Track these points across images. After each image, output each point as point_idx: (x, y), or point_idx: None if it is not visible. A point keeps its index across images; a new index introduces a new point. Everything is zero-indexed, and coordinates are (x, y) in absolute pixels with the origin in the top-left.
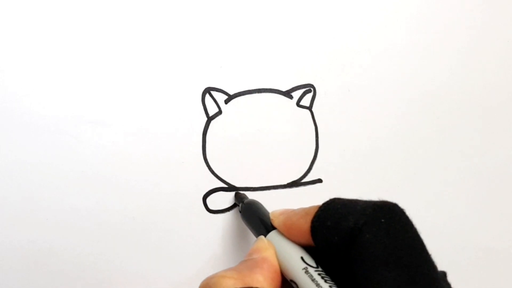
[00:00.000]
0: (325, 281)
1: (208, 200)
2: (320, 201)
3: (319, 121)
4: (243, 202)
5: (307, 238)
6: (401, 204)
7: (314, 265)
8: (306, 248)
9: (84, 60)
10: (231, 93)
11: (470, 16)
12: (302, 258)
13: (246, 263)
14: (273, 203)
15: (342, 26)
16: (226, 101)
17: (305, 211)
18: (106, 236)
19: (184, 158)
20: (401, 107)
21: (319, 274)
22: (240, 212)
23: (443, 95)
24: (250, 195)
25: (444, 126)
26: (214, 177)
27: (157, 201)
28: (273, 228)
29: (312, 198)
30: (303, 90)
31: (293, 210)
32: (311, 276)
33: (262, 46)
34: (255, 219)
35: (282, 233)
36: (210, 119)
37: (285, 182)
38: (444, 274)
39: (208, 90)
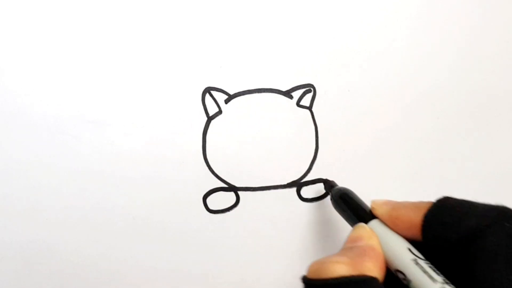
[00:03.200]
0: (438, 274)
1: (208, 200)
2: (320, 202)
3: (319, 121)
4: (334, 188)
5: (414, 231)
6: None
7: (423, 257)
8: (409, 242)
9: (84, 60)
10: (231, 93)
11: (470, 16)
12: (409, 249)
13: (354, 250)
14: (273, 203)
15: (342, 26)
16: (226, 101)
17: (414, 205)
18: (106, 236)
19: (184, 158)
20: (401, 107)
21: (430, 267)
22: (331, 199)
23: (443, 95)
24: (250, 195)
25: (444, 126)
26: (214, 177)
27: (157, 201)
28: (372, 217)
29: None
30: (303, 90)
31: (400, 202)
32: (421, 268)
33: (262, 46)
34: (351, 207)
35: (384, 224)
36: (210, 119)
37: (285, 182)
38: None
39: (208, 90)
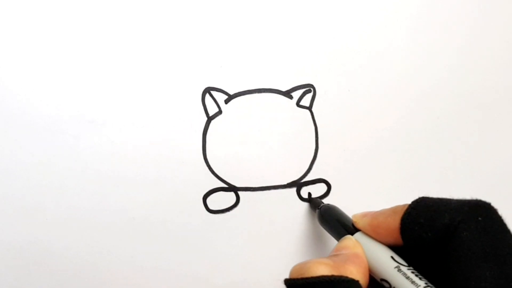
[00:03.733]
0: (420, 278)
1: (208, 200)
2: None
3: (319, 121)
4: (320, 206)
5: (395, 237)
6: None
7: (405, 263)
8: (393, 248)
9: (84, 60)
10: (231, 93)
11: (470, 16)
12: (392, 257)
13: (338, 256)
14: (273, 203)
15: (342, 26)
16: (226, 101)
17: (391, 210)
18: (106, 235)
19: (184, 158)
20: (401, 107)
21: (412, 272)
22: (318, 216)
23: (443, 95)
24: (250, 195)
25: (444, 126)
26: (214, 177)
27: (157, 201)
28: (356, 230)
29: None
30: (303, 90)
31: (377, 211)
32: (404, 274)
33: (262, 46)
34: (335, 223)
35: (367, 234)
36: (210, 119)
37: (285, 182)
38: None
39: (208, 90)
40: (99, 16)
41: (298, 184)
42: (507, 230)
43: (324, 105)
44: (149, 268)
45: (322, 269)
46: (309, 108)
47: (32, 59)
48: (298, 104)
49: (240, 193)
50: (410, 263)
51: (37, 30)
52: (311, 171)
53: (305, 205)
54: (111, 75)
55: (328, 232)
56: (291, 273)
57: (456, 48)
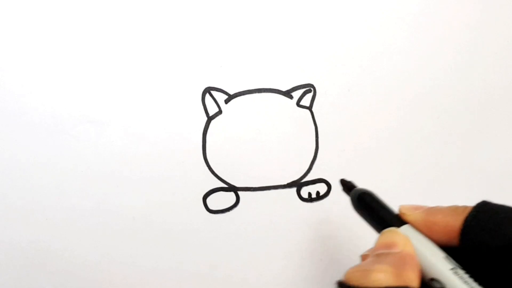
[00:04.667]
0: (478, 284)
1: (208, 200)
2: (320, 202)
3: (319, 121)
4: (354, 189)
5: (452, 237)
6: (401, 204)
7: (460, 266)
8: (443, 248)
9: (84, 60)
10: (231, 93)
11: (470, 16)
12: (447, 258)
13: (392, 257)
14: (273, 203)
15: (342, 26)
16: (226, 101)
17: (451, 209)
18: (105, 235)
19: (184, 158)
20: (401, 107)
21: (470, 277)
22: (354, 201)
23: (443, 95)
24: (250, 195)
25: (444, 126)
26: (214, 177)
27: (157, 201)
28: (402, 223)
29: None
30: (303, 90)
31: (434, 207)
32: (462, 278)
33: (262, 46)
34: (375, 210)
35: (416, 229)
36: (210, 119)
37: (285, 182)
38: None
39: (208, 90)
40: (99, 17)
41: (298, 184)
42: None
43: (324, 105)
44: (149, 267)
45: (383, 278)
46: (309, 108)
47: (32, 60)
48: (298, 104)
49: (240, 193)
50: (462, 266)
51: (38, 31)
52: (311, 171)
53: (305, 205)
54: (111, 75)
55: (365, 219)
56: (347, 277)
57: (456, 48)
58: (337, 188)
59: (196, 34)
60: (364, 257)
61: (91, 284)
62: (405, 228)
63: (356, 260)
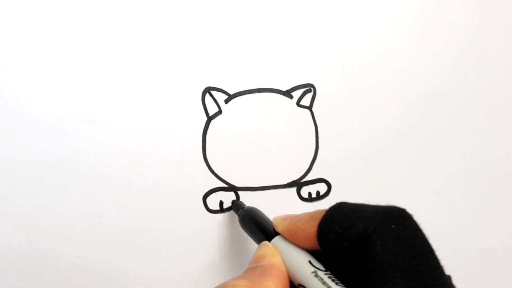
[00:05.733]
0: (336, 283)
1: (208, 200)
2: (320, 202)
3: (319, 121)
4: (242, 209)
5: (313, 242)
6: (401, 204)
7: (323, 268)
8: (311, 252)
9: (84, 60)
10: (231, 92)
11: (470, 16)
12: (310, 262)
13: (255, 270)
14: (273, 203)
15: (342, 26)
16: (226, 101)
17: (310, 215)
18: (105, 236)
19: (184, 158)
20: (401, 107)
21: (329, 277)
22: (239, 220)
23: (443, 95)
24: (250, 195)
25: (444, 126)
26: (214, 177)
27: (157, 201)
28: (276, 234)
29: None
30: (303, 90)
31: (297, 215)
32: (321, 279)
33: (262, 46)
34: (255, 226)
35: (286, 239)
36: (210, 118)
37: (285, 182)
38: (449, 278)
39: (208, 90)
40: (99, 17)
41: (298, 184)
42: (422, 237)
43: (324, 105)
44: (148, 267)
45: None
46: (309, 107)
47: (32, 60)
48: (298, 104)
49: (240, 193)
50: (329, 269)
51: (38, 30)
52: (311, 171)
53: (305, 205)
54: (111, 75)
55: (250, 236)
56: None
57: (456, 49)
58: (337, 188)
59: (196, 34)
60: None
61: (90, 284)
62: (276, 239)
63: None
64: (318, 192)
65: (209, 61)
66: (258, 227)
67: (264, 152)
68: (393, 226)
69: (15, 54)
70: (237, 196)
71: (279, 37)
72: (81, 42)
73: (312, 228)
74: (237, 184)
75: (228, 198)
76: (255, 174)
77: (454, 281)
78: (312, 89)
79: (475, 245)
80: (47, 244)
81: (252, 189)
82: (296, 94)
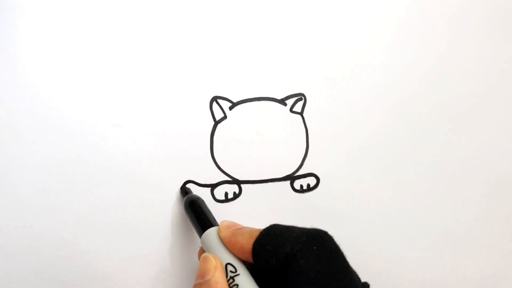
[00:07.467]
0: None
1: (215, 191)
2: (310, 193)
3: (309, 125)
4: (186, 195)
5: (247, 256)
6: (381, 199)
7: (235, 271)
8: (245, 263)
9: (109, 74)
10: (235, 100)
11: (470, 17)
12: (228, 264)
13: (204, 286)
14: (270, 194)
15: (330, 44)
16: (231, 108)
17: (249, 233)
18: (131, 223)
19: (195, 156)
20: (381, 113)
21: (232, 276)
22: (184, 204)
23: (420, 103)
24: (251, 187)
25: (422, 131)
26: (220, 171)
27: (172, 193)
28: (211, 226)
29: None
30: (296, 98)
31: (240, 229)
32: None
33: (261, 62)
34: (199, 217)
35: (224, 244)
36: (216, 123)
37: (281, 176)
38: (367, 285)
39: (215, 98)
40: (123, 33)
41: (291, 178)
42: (339, 256)
43: (313, 111)
44: (161, 257)
45: None
46: (301, 113)
47: (67, 75)
48: (291, 110)
49: (242, 185)
50: (262, 283)
51: (73, 49)
52: (303, 167)
53: (297, 195)
54: (134, 87)
55: (191, 222)
56: None
57: (435, 58)
58: (325, 181)
59: (206, 53)
60: None
61: (90, 281)
62: (212, 230)
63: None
64: (308, 185)
65: (216, 75)
66: (201, 219)
67: (262, 151)
68: (315, 248)
69: (49, 63)
70: (240, 188)
71: (276, 56)
72: (107, 60)
73: (248, 245)
74: (240, 178)
75: (232, 190)
76: (255, 169)
77: (423, 261)
78: (303, 97)
79: (440, 228)
80: (76, 229)
81: (252, 182)
82: (290, 102)
